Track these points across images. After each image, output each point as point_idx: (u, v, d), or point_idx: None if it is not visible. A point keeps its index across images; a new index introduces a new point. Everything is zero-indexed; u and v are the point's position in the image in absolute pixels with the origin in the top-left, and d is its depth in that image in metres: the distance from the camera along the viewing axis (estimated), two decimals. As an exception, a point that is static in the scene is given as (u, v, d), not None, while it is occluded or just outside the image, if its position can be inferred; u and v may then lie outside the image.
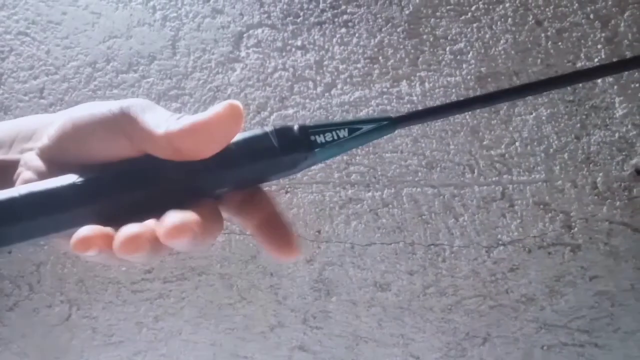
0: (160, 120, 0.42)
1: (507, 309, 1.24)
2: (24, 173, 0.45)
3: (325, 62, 1.30)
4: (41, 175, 0.45)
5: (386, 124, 0.47)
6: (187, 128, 0.41)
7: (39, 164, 0.45)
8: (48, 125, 0.46)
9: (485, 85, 1.23)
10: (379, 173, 1.27)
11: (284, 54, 1.31)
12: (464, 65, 1.25)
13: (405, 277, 1.26)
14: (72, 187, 0.43)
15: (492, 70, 1.24)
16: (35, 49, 1.38)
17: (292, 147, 0.45)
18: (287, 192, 1.30)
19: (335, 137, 0.46)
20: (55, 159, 0.45)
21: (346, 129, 0.46)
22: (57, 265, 1.40)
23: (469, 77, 1.24)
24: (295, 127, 0.46)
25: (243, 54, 1.32)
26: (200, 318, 1.36)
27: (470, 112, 1.23)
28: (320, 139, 0.46)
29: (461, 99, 0.48)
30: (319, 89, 1.29)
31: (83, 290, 1.40)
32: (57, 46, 1.37)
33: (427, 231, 1.26)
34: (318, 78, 1.30)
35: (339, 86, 1.29)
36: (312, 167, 1.24)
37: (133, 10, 1.36)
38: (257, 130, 0.46)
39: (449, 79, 1.25)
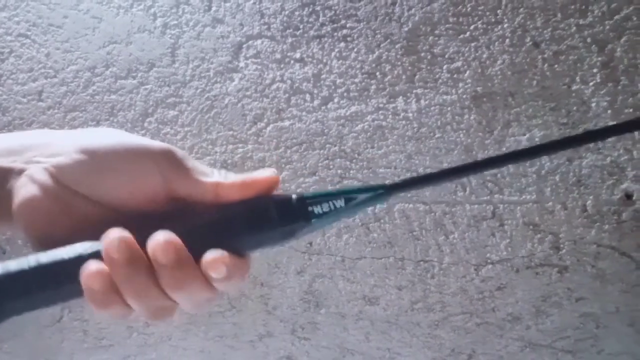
0: (208, 170, 0.52)
1: (493, 327, 1.32)
2: (27, 186, 0.49)
3: (323, 76, 1.37)
4: (45, 193, 0.49)
5: (381, 193, 0.51)
6: (239, 183, 0.51)
7: (46, 180, 0.49)
8: (67, 144, 0.51)
9: (480, 105, 1.31)
10: None
11: (282, 65, 1.38)
12: (460, 84, 1.32)
13: (394, 291, 1.35)
14: (80, 259, 0.47)
15: (488, 90, 1.31)
16: (35, 51, 1.46)
17: (290, 218, 0.50)
18: None
19: (332, 208, 0.50)
20: (66, 181, 0.50)
21: (342, 199, 0.50)
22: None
23: (464, 96, 1.32)
24: (294, 198, 0.50)
25: (242, 64, 1.40)
26: (190, 325, 1.45)
27: (464, 131, 1.32)
28: (317, 209, 0.50)
29: (455, 166, 0.52)
30: (315, 102, 1.37)
31: None
32: (57, 49, 1.46)
33: (417, 247, 1.34)
34: (315, 91, 1.37)
35: (336, 100, 1.36)
36: (306, 180, 1.33)
37: (134, 16, 1.44)
38: (257, 200, 0.51)
39: (444, 97, 1.32)
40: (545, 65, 1.31)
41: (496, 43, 1.32)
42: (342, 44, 1.37)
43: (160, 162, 0.50)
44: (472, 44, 1.33)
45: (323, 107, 1.37)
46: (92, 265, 0.47)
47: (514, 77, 1.31)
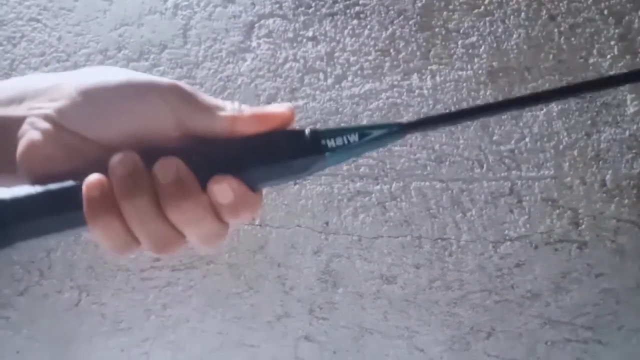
0: (221, 103, 0.50)
1: (512, 304, 1.33)
2: (30, 132, 0.48)
3: (336, 54, 1.37)
4: (48, 139, 0.48)
5: (396, 130, 0.50)
6: (254, 116, 0.49)
7: (48, 126, 0.48)
8: (67, 87, 0.49)
9: (496, 80, 1.31)
10: (388, 166, 1.35)
11: (295, 44, 1.39)
12: (476, 60, 1.32)
13: (412, 270, 1.35)
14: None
15: (503, 65, 1.31)
16: (47, 35, 1.47)
17: (303, 151, 0.49)
18: (295, 184, 1.39)
19: (346, 142, 0.49)
20: (69, 125, 0.48)
21: (357, 134, 0.49)
22: (67, 251, 1.50)
23: (480, 71, 1.32)
24: (307, 132, 0.50)
25: (254, 44, 1.41)
26: (208, 306, 1.46)
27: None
28: (331, 143, 0.49)
29: (472, 106, 0.51)
30: (329, 81, 1.38)
31: (93, 277, 1.50)
32: (68, 33, 1.46)
33: (434, 225, 1.34)
34: (329, 70, 1.38)
35: (350, 78, 1.37)
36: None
37: (145, -2, 1.45)
38: (270, 133, 0.50)
39: (460, 73, 1.33)
40: (562, 38, 1.30)
41: (511, 17, 1.32)
42: (355, 21, 1.37)
43: (169, 97, 0.49)
44: (487, 18, 1.33)
45: (337, 86, 1.38)
46: (94, 176, 0.46)
47: (530, 51, 1.31)
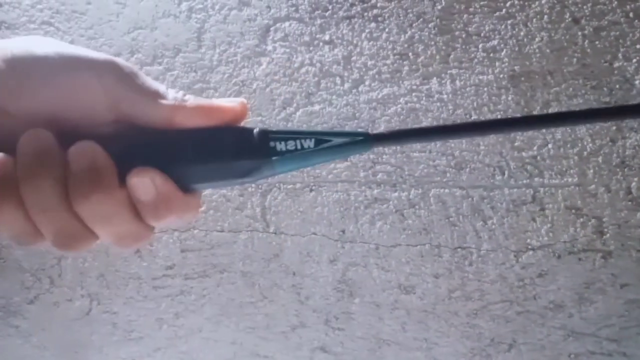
0: (162, 89, 0.47)
1: (534, 316, 1.32)
2: None
3: (354, 58, 1.37)
4: None
5: (360, 140, 0.46)
6: (200, 107, 0.46)
7: None
8: None
9: (518, 85, 1.31)
10: (406, 173, 1.35)
11: (311, 48, 1.39)
12: (497, 64, 1.32)
13: (431, 280, 1.35)
14: None
15: (526, 69, 1.31)
16: (59, 39, 1.48)
17: (248, 152, 0.45)
18: (311, 190, 1.39)
19: (299, 147, 0.45)
20: None
21: (312, 140, 0.46)
22: (78, 259, 1.51)
23: (501, 75, 1.32)
24: (255, 131, 0.46)
25: (270, 47, 1.41)
26: (221, 316, 1.46)
27: (501, 112, 1.32)
28: (281, 146, 0.45)
29: (450, 124, 0.46)
30: (346, 85, 1.37)
31: (104, 285, 1.51)
32: (81, 37, 1.48)
33: (454, 234, 1.34)
34: (346, 74, 1.38)
35: (367, 83, 1.37)
36: (338, 165, 1.34)
37: (158, 1, 1.45)
38: (213, 128, 0.46)
39: (480, 77, 1.32)
40: (586, 42, 1.30)
41: (534, 20, 1.32)
42: (373, 24, 1.37)
43: (104, 75, 0.45)
44: (509, 21, 1.33)
45: (354, 90, 1.38)
46: None
47: (552, 55, 1.30)
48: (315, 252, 1.41)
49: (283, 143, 0.45)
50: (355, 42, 1.38)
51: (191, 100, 0.47)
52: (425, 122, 1.33)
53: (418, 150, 1.34)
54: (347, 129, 1.35)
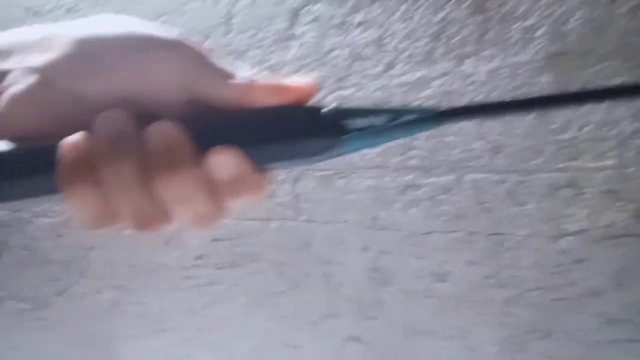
0: (233, 70, 0.47)
1: (570, 302, 1.29)
2: (13, 87, 0.44)
3: (385, 40, 1.36)
4: (33, 93, 0.44)
5: (430, 116, 0.45)
6: (270, 87, 0.46)
7: (32, 79, 0.44)
8: (58, 36, 0.45)
9: (555, 65, 1.28)
10: (440, 157, 1.33)
11: (342, 31, 1.38)
12: (533, 44, 1.29)
13: (465, 267, 1.33)
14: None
15: (563, 49, 1.28)
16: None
17: (318, 131, 0.45)
18: (342, 177, 1.37)
19: (369, 124, 0.45)
20: (58, 80, 0.44)
21: (383, 116, 0.45)
22: (106, 250, 1.52)
23: (538, 56, 1.29)
24: (326, 109, 0.46)
25: (299, 31, 1.40)
26: (252, 306, 1.46)
27: (538, 94, 1.30)
28: (352, 124, 0.45)
29: (523, 98, 0.47)
30: (378, 69, 1.36)
31: (133, 276, 1.52)
32: None
33: (489, 219, 1.32)
34: (377, 57, 1.36)
35: (400, 65, 1.35)
36: (369, 151, 1.33)
37: (186, -15, 1.46)
38: (285, 107, 0.46)
39: (517, 58, 1.29)
40: (624, 20, 1.28)
41: (571, -2, 1.30)
42: (405, 5, 1.36)
43: (174, 55, 0.45)
44: (545, 0, 1.31)
45: (386, 74, 1.37)
46: (75, 136, 0.42)
47: (591, 34, 1.28)
48: (346, 240, 1.40)
49: (354, 121, 0.45)
50: (387, 24, 1.37)
51: (261, 79, 0.47)
52: (459, 105, 1.32)
53: (452, 134, 1.32)
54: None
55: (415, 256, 1.35)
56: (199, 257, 1.48)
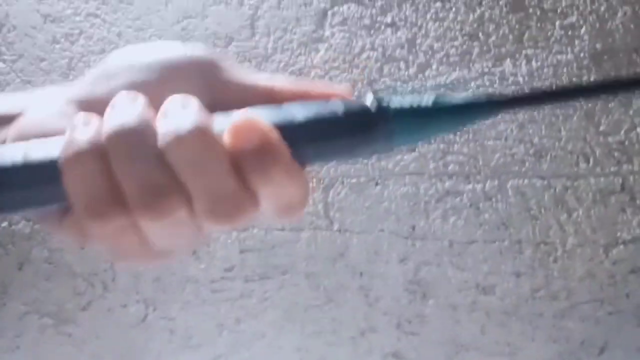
0: (254, 74, 0.46)
1: (627, 316, 1.26)
2: (29, 115, 0.43)
3: (418, 41, 1.33)
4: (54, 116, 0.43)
5: (484, 103, 0.41)
6: (299, 92, 0.44)
7: (57, 104, 0.44)
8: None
9: (600, 64, 1.25)
10: (481, 163, 1.30)
11: (372, 32, 1.34)
12: (577, 42, 1.26)
13: (512, 278, 1.30)
14: None
15: (608, 47, 1.25)
16: (106, 31, 1.44)
17: (361, 125, 0.40)
18: (377, 184, 1.34)
19: (418, 108, 0.40)
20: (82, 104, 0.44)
21: (431, 99, 0.41)
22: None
23: (582, 54, 1.26)
24: (369, 102, 0.41)
25: (327, 33, 1.36)
26: (285, 320, 1.42)
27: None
28: (398, 120, 0.40)
29: (589, 82, 0.44)
30: (411, 70, 1.33)
31: (160, 289, 1.48)
32: (128, 28, 1.44)
33: (535, 228, 1.28)
34: (410, 58, 1.33)
35: (434, 67, 1.32)
36: (404, 157, 1.28)
37: (208, -13, 1.42)
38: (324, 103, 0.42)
39: (559, 57, 1.27)
40: (676, 14, 1.23)
41: (616, -8, 1.26)
42: (439, 4, 1.33)
43: (189, 80, 0.44)
44: (588, -5, 1.27)
45: (420, 75, 1.33)
46: (82, 113, 0.40)
47: (637, 31, 1.25)
48: (383, 251, 1.36)
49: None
50: (419, 23, 1.34)
51: (286, 86, 0.45)
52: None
53: (493, 138, 1.29)
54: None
55: (457, 267, 1.32)
56: (229, 270, 1.44)
